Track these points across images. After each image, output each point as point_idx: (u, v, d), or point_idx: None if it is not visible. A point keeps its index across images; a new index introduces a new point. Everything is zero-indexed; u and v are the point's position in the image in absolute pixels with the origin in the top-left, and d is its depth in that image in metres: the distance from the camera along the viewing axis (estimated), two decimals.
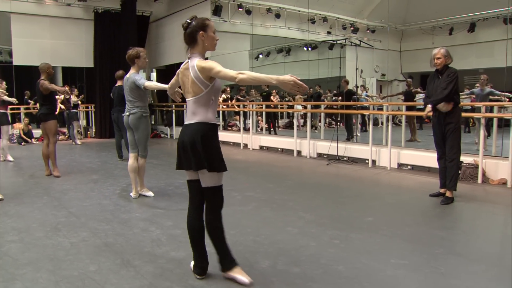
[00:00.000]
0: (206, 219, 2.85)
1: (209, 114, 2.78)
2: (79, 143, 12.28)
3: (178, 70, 2.95)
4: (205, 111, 2.77)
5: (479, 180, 6.23)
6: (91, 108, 14.41)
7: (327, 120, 13.57)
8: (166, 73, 15.19)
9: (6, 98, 8.33)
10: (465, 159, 6.40)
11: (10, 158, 8.79)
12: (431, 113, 5.16)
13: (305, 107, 13.00)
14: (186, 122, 2.83)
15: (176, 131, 14.11)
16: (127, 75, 5.26)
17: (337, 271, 3.04)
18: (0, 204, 5.06)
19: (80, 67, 14.63)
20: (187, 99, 2.84)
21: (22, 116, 13.31)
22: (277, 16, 15.71)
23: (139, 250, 3.48)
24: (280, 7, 15.58)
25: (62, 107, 12.69)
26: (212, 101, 2.79)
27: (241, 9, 14.20)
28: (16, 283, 2.86)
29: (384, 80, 20.09)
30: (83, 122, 14.39)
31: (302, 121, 14.70)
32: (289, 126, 14.87)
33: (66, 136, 13.39)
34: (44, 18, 13.43)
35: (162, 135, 14.87)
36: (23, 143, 12.23)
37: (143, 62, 5.21)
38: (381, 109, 8.85)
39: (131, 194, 5.44)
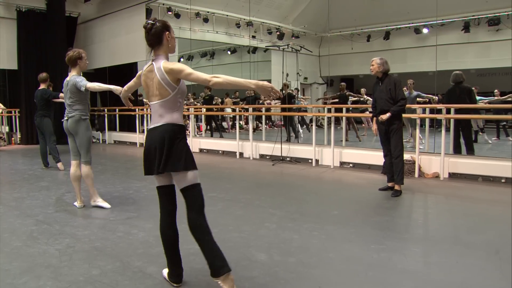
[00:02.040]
0: (189, 220, 2.71)
1: (176, 115, 2.72)
2: None
3: (140, 72, 2.89)
4: (171, 113, 2.70)
5: (416, 174, 6.94)
6: (15, 112, 13.54)
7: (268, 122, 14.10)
8: (95, 76, 14.69)
9: None
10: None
11: None
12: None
13: (234, 110, 13.51)
14: (151, 126, 2.75)
15: (109, 136, 13.75)
16: (68, 78, 4.99)
17: (330, 258, 3.36)
18: None
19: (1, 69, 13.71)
20: (151, 102, 2.75)
21: None
22: (205, 20, 15.88)
23: (133, 252, 3.53)
24: (208, 12, 15.79)
25: None
26: (179, 103, 2.75)
27: (170, 13, 14.21)
28: None
29: (306, 84, 21.11)
30: (5, 128, 13.52)
31: (230, 123, 15.20)
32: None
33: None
34: None
35: (94, 140, 14.37)
36: None
37: (85, 63, 5.01)
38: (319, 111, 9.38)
39: (75, 203, 5.17)
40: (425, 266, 3.21)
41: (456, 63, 15.37)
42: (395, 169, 5.66)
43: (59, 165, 8.06)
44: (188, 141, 2.78)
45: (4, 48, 13.17)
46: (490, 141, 10.47)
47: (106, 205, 5.11)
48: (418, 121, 7.07)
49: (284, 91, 11.32)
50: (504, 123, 11.20)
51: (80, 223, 4.44)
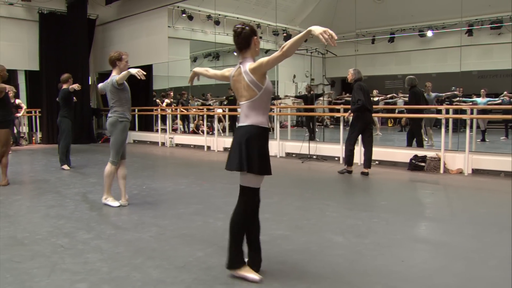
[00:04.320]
0: (232, 215, 3.00)
1: (260, 118, 2.91)
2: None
3: (230, 74, 3.05)
4: (256, 114, 2.90)
5: (441, 170, 7.43)
6: (35, 112, 13.85)
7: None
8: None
9: None
10: (428, 153, 7.59)
11: None
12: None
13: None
14: (239, 124, 2.99)
15: (136, 136, 14.12)
16: (109, 79, 5.13)
17: (398, 239, 3.84)
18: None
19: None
20: (240, 103, 2.96)
21: None
22: (217, 23, 16.27)
23: (223, 237, 3.91)
24: (219, 14, 16.19)
25: None
26: (265, 103, 2.94)
27: (184, 15, 14.62)
28: (133, 273, 3.23)
29: (313, 84, 21.57)
30: (25, 127, 13.84)
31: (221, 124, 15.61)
32: None
33: (12, 142, 12.80)
34: None
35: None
36: None
37: (124, 65, 5.10)
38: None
39: (109, 202, 5.26)
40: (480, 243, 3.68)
41: (457, 65, 15.98)
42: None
43: (64, 166, 8.26)
44: (268, 145, 2.99)
45: (26, 50, 13.47)
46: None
47: (114, 203, 5.23)
48: (443, 121, 7.56)
49: (307, 93, 11.77)
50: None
51: (156, 214, 4.85)
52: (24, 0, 12.85)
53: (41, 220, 4.63)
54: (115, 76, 5.02)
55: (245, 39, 2.94)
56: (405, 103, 10.87)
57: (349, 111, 7.29)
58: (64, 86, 8.25)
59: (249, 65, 2.90)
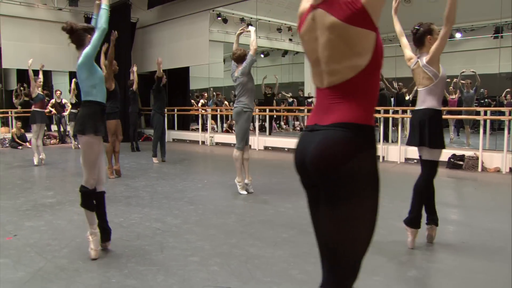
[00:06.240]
0: (418, 183, 3.66)
1: (435, 102, 3.53)
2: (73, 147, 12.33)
3: (413, 67, 3.63)
4: (431, 99, 3.52)
5: (479, 169, 7.83)
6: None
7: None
8: (150, 78, 15.67)
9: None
10: (467, 153, 8.02)
11: (35, 161, 8.80)
12: None
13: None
14: (416, 108, 3.65)
15: (167, 134, 14.69)
16: (235, 72, 5.72)
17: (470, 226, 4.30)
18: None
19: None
20: (419, 89, 3.60)
21: (11, 119, 13.28)
22: (249, 25, 16.74)
23: (300, 222, 4.46)
24: (251, 18, 16.72)
25: (53, 111, 12.92)
26: (439, 90, 3.53)
27: (219, 18, 15.18)
28: (234, 250, 3.76)
29: None
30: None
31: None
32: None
33: (58, 140, 13.55)
34: (34, 22, 13.51)
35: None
36: (19, 147, 12.24)
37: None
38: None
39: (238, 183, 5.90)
40: None
41: (485, 67, 16.18)
42: None
43: (154, 159, 9.05)
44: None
45: (72, 52, 14.12)
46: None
47: (242, 192, 5.89)
48: (482, 122, 7.98)
49: None
50: None
51: (230, 204, 5.40)
52: (72, 5, 13.58)
53: (127, 208, 5.20)
54: (243, 66, 5.59)
55: (419, 39, 3.58)
56: None
57: None
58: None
59: (425, 58, 3.49)
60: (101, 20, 3.47)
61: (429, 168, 3.64)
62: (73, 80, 12.11)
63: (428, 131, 3.51)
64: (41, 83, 8.94)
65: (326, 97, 1.56)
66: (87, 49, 3.49)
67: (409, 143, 3.71)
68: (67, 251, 3.68)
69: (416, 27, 3.58)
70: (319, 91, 1.61)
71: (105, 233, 3.71)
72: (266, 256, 3.54)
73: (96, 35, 3.46)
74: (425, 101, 3.56)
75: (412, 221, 3.67)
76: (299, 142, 1.63)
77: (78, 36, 3.57)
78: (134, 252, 3.65)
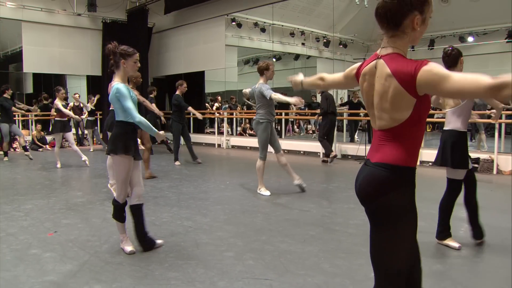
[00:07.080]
0: (442, 200, 3.86)
1: (459, 124, 3.65)
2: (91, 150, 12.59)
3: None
4: (456, 120, 3.66)
5: (494, 171, 7.97)
6: (97, 115, 14.86)
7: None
8: (165, 82, 15.98)
9: (61, 107, 8.82)
10: (482, 156, 8.16)
11: (58, 165, 9.05)
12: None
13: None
14: (444, 128, 3.81)
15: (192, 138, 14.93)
16: (257, 85, 5.84)
17: None
18: None
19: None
20: (446, 109, 3.75)
21: (31, 122, 13.62)
22: (263, 30, 17.00)
23: (330, 221, 4.67)
24: (265, 22, 16.96)
25: (72, 114, 13.17)
26: (465, 111, 3.62)
27: (234, 23, 15.44)
28: (265, 246, 3.96)
29: (352, 90, 22.16)
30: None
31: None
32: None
33: (76, 142, 13.83)
34: (53, 27, 13.84)
35: (169, 141, 15.46)
36: (40, 149, 12.55)
37: (271, 74, 5.82)
38: None
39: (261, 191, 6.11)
40: None
41: (497, 71, 16.23)
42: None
43: (176, 163, 9.33)
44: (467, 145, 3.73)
45: (89, 56, 14.54)
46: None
47: (267, 193, 6.08)
48: (497, 125, 8.12)
49: (354, 99, 12.44)
50: None
51: (255, 204, 5.62)
52: (91, 11, 13.91)
53: (156, 207, 5.43)
54: (268, 89, 5.67)
55: (452, 59, 3.63)
56: None
57: None
58: (177, 92, 9.07)
59: None
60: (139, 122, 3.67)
61: (453, 186, 3.79)
62: (97, 95, 12.45)
63: (450, 152, 3.67)
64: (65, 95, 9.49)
65: (377, 137, 1.84)
66: (125, 102, 3.61)
67: (435, 162, 3.88)
68: (107, 247, 3.91)
69: (449, 49, 3.65)
70: (374, 131, 1.89)
71: (143, 246, 3.86)
72: (297, 251, 3.74)
73: (130, 108, 3.62)
74: (450, 122, 3.71)
75: (442, 234, 3.88)
76: (358, 172, 1.94)
77: (115, 59, 3.74)
78: (171, 248, 3.87)
